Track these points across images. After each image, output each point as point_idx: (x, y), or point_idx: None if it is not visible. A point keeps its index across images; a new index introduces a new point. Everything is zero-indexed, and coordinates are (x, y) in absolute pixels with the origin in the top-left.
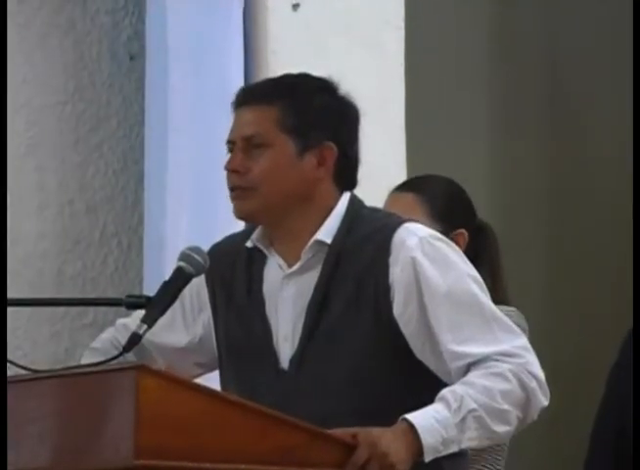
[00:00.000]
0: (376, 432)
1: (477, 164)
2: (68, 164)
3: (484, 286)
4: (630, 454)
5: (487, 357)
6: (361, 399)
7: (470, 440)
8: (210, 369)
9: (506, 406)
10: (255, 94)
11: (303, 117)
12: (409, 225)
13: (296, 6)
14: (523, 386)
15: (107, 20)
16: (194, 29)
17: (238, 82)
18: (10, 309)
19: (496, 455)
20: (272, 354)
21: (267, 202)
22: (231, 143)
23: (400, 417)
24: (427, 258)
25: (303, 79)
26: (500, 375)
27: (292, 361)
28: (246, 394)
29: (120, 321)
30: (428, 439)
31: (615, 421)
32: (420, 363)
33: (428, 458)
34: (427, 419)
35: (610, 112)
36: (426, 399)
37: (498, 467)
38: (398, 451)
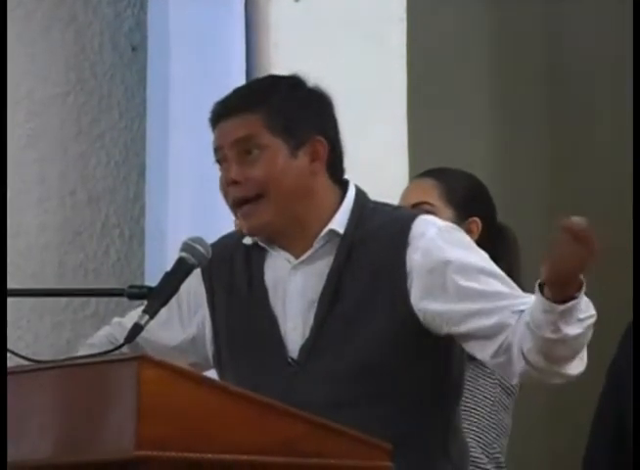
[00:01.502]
0: None
1: (478, 156)
2: (69, 156)
3: None
4: (629, 447)
5: None
6: (372, 384)
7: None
8: (201, 370)
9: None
10: (234, 105)
11: (288, 116)
12: (425, 217)
13: None
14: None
15: (108, 11)
16: (196, 21)
17: (240, 74)
18: (12, 300)
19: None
20: (279, 345)
21: (278, 208)
22: (219, 151)
23: None
24: (448, 244)
25: (273, 81)
26: None
27: (302, 350)
28: (250, 386)
29: (116, 319)
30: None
31: (614, 413)
32: (431, 349)
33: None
34: None
35: (610, 111)
36: (435, 384)
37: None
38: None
